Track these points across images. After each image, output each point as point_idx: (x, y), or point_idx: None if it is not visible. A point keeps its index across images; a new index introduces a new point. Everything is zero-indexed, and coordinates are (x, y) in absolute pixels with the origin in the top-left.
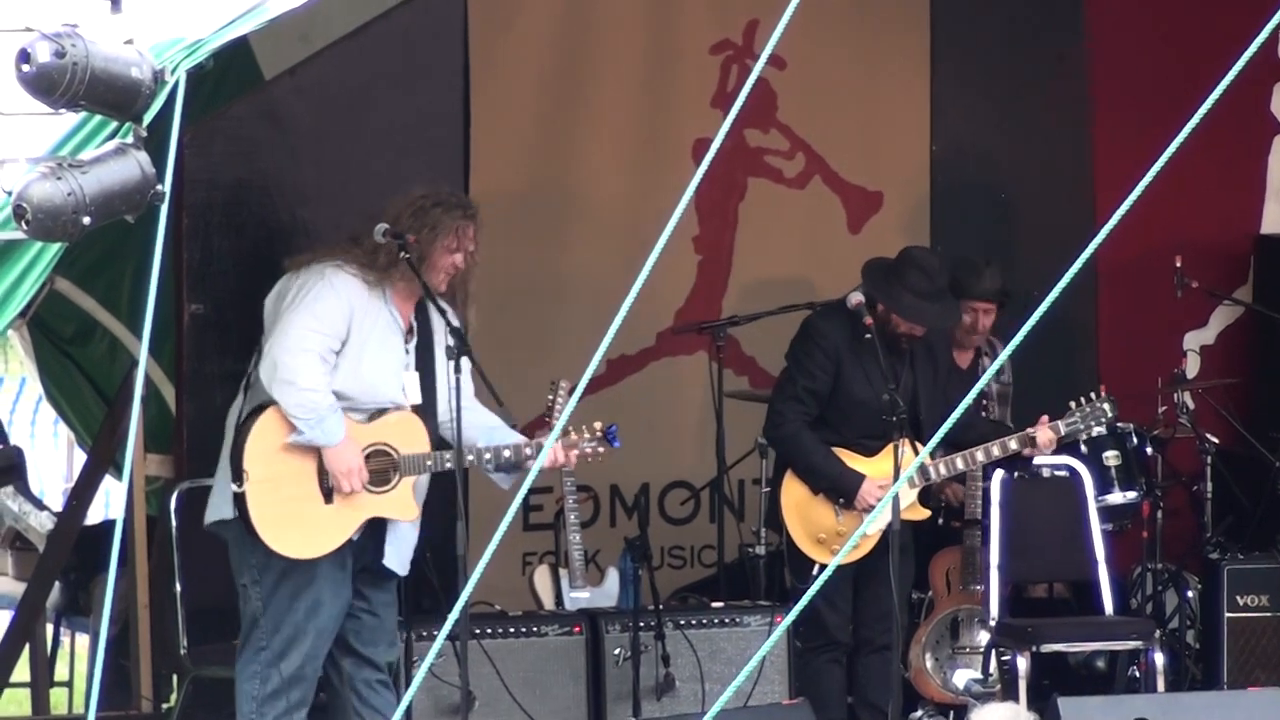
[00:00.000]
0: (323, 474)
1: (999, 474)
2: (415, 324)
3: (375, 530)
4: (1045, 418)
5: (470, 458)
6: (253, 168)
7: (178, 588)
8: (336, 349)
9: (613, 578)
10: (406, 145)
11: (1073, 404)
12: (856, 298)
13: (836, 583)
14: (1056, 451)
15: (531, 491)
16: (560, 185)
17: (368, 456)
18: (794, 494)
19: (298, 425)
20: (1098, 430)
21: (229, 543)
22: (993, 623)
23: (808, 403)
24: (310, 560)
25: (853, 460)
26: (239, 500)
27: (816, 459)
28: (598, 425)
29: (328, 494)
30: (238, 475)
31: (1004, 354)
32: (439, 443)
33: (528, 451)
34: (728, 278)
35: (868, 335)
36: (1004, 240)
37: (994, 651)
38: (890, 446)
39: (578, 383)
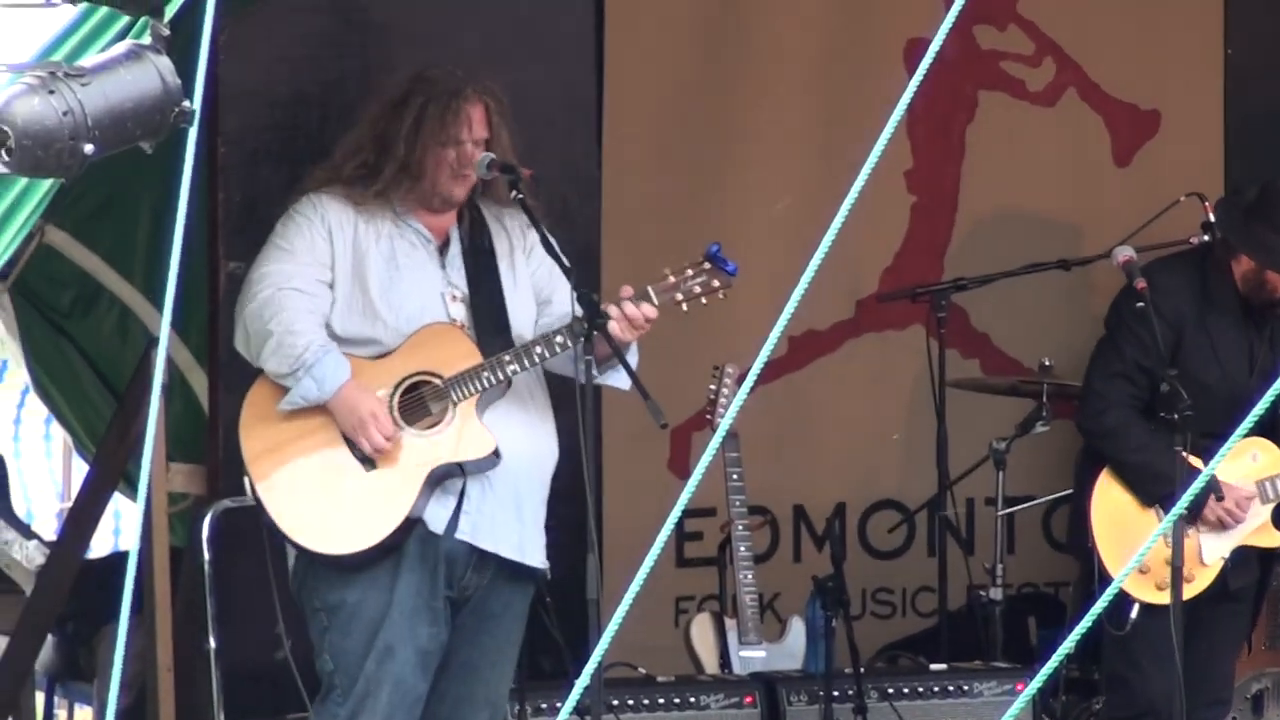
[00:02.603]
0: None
1: None
2: (458, 235)
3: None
4: None
5: (535, 351)
6: (314, 78)
7: (211, 643)
8: (326, 279)
9: (797, 631)
10: (526, 50)
11: None
12: (1126, 253)
13: (1157, 633)
14: None
15: (687, 515)
16: (721, 107)
17: (405, 392)
18: (1112, 503)
19: (285, 384)
20: None
21: (295, 597)
22: None
23: (1139, 382)
24: (382, 583)
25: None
26: (262, 513)
27: (1151, 459)
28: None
29: (364, 460)
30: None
31: None
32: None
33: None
34: (951, 227)
35: (1139, 304)
36: None
37: None
38: (1238, 448)
39: (749, 368)
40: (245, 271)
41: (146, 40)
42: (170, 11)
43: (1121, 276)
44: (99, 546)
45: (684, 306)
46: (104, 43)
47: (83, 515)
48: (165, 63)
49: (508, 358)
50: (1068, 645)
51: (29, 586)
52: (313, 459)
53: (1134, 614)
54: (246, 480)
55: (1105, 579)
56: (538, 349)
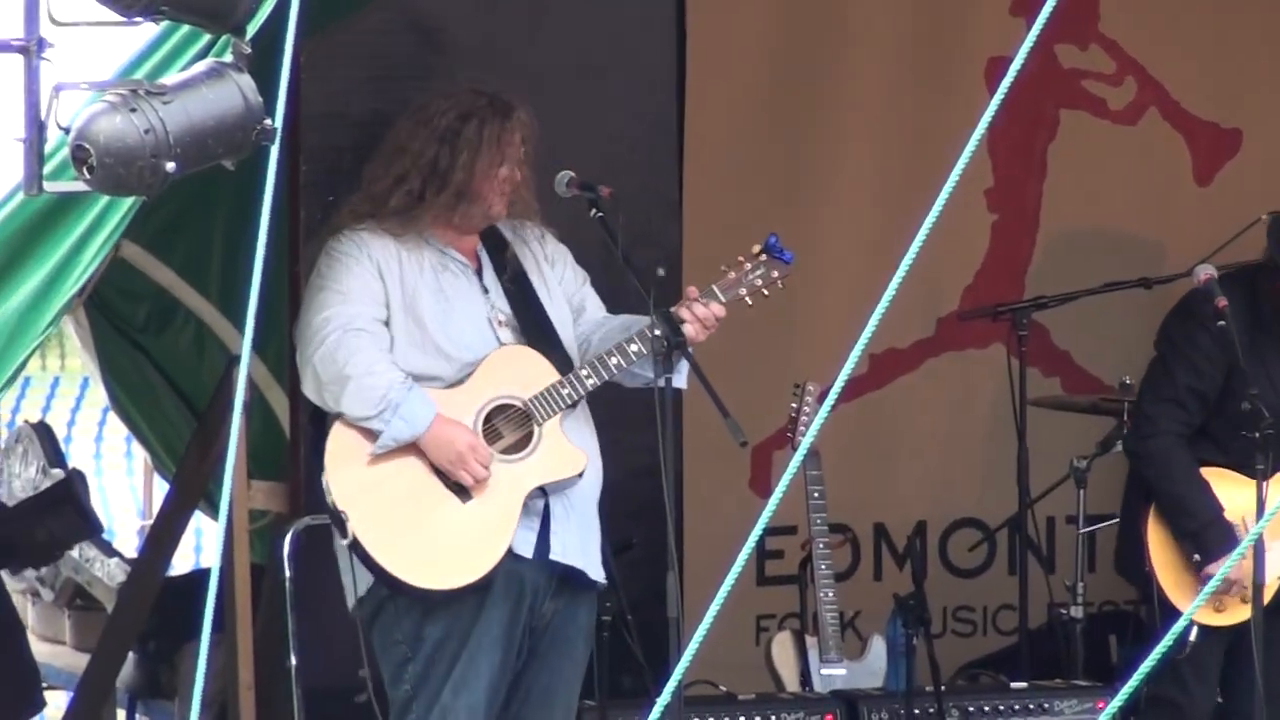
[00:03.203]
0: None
1: None
2: (485, 255)
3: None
4: None
5: (610, 363)
6: (395, 98)
7: (292, 661)
8: (383, 316)
9: (878, 649)
10: (608, 70)
11: None
12: (1206, 271)
13: (1206, 654)
14: None
15: (768, 533)
16: (802, 126)
17: (487, 419)
18: (1166, 528)
19: (372, 427)
20: None
21: (363, 625)
22: None
23: (1190, 407)
24: (467, 616)
25: (1241, 487)
26: (360, 555)
27: (1185, 493)
28: (754, 248)
29: (460, 491)
30: (339, 525)
31: None
32: (565, 366)
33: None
34: (1033, 245)
35: (1220, 323)
36: None
37: None
38: None
39: (830, 386)
40: None
41: (228, 58)
42: (252, 30)
43: (1173, 296)
44: (180, 564)
45: (748, 300)
46: (186, 61)
47: (164, 533)
48: (247, 81)
49: (585, 372)
50: (1149, 664)
51: (110, 604)
52: (407, 495)
53: (1192, 636)
54: (347, 524)
55: (1165, 602)
56: (613, 360)
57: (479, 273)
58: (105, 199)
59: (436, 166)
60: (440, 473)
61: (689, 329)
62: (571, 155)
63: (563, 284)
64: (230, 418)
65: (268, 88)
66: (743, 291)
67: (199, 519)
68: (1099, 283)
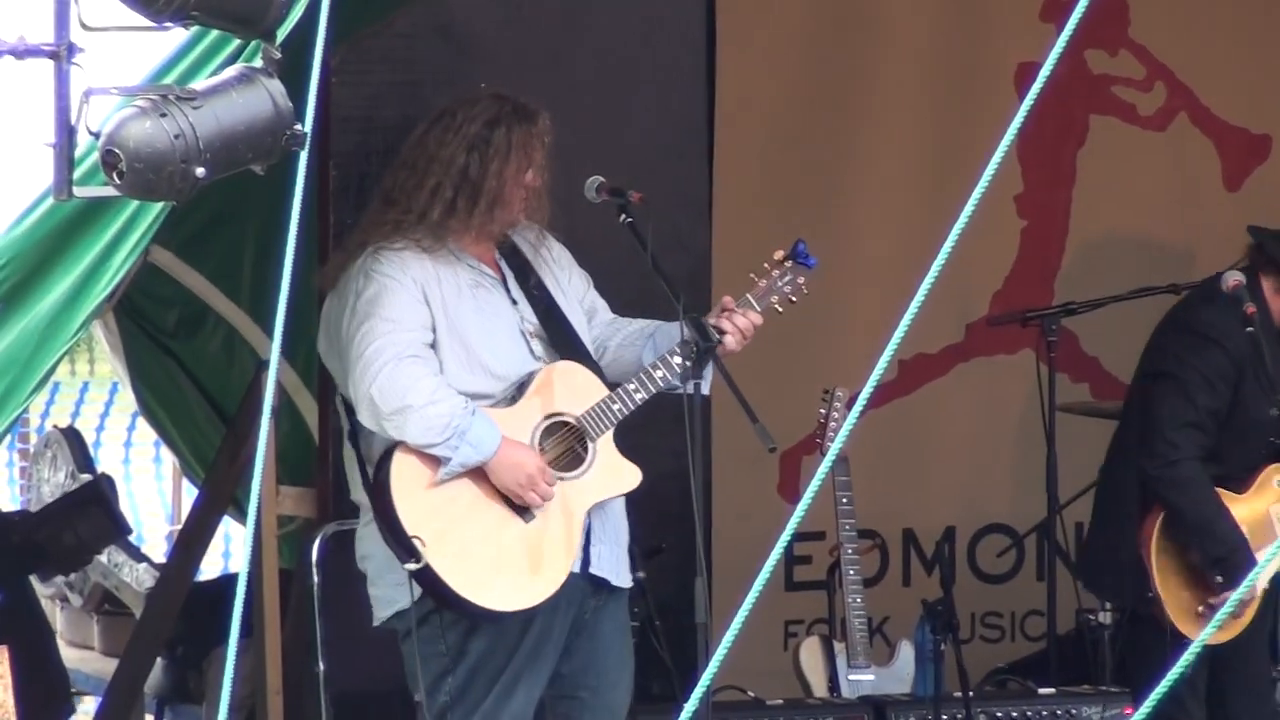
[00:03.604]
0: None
1: None
2: (504, 263)
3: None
4: None
5: (656, 376)
6: (424, 102)
7: (320, 666)
8: (430, 340)
9: (906, 654)
10: (638, 75)
11: None
12: (1235, 278)
13: (1195, 671)
14: None
15: (796, 538)
16: (832, 131)
17: (541, 438)
18: (1173, 552)
19: (438, 454)
20: None
21: (404, 638)
22: None
23: (1208, 429)
24: (513, 630)
25: (1230, 502)
26: (424, 577)
27: (1214, 518)
28: (777, 254)
29: (523, 511)
30: (408, 550)
31: None
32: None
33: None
34: (1062, 251)
35: (1249, 329)
36: None
37: None
38: (1262, 477)
39: (859, 391)
40: None
41: (258, 64)
42: (282, 35)
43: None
44: (208, 569)
45: (778, 308)
46: (215, 66)
47: (192, 538)
48: (277, 86)
49: (633, 386)
50: (1178, 670)
51: (139, 609)
52: (472, 517)
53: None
54: (415, 546)
55: (1161, 621)
56: (659, 373)
57: (504, 283)
58: (135, 204)
59: (467, 174)
60: (503, 494)
61: (729, 340)
62: (600, 159)
63: (572, 285)
64: (259, 423)
65: (298, 92)
66: (774, 299)
67: (228, 523)
68: (1128, 288)
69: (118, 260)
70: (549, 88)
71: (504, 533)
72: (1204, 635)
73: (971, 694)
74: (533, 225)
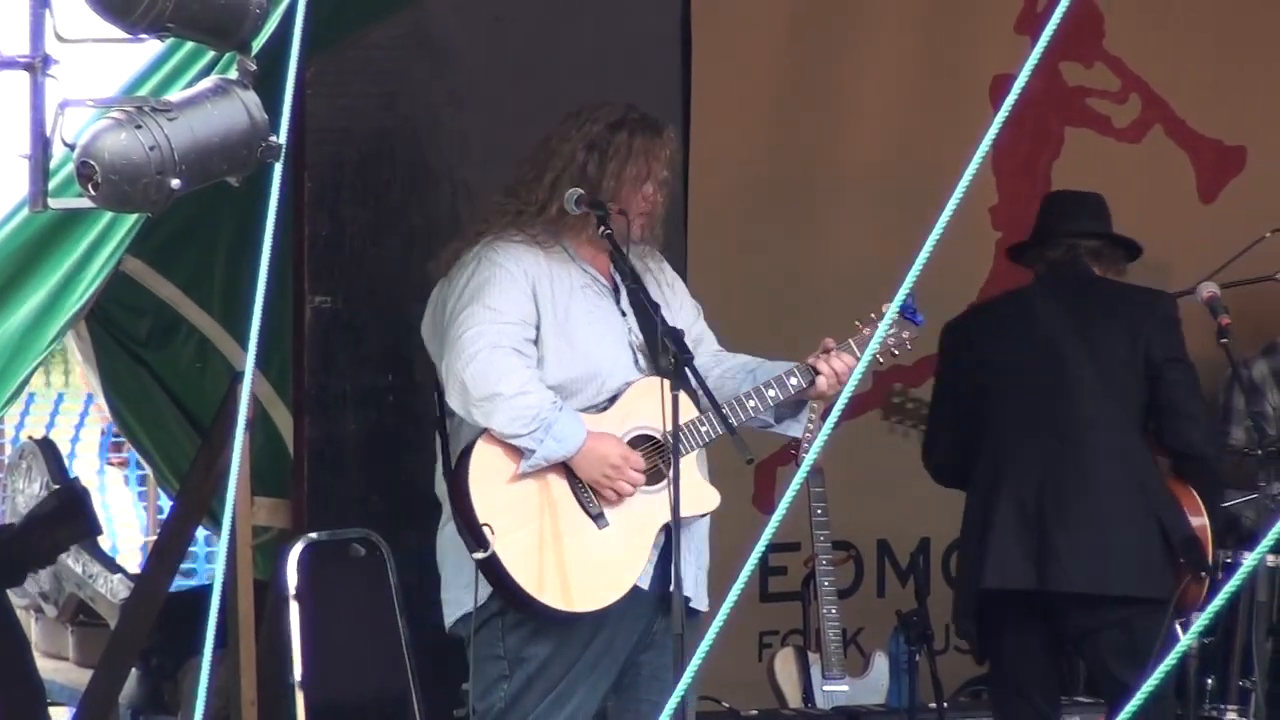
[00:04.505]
0: (580, 494)
1: None
2: (616, 276)
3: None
4: None
5: (749, 405)
6: (399, 114)
7: (296, 676)
8: (532, 337)
9: (880, 665)
10: (613, 83)
11: None
12: (1210, 289)
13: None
14: None
15: (771, 549)
16: (807, 141)
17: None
18: None
19: (522, 446)
20: None
21: (469, 641)
22: None
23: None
24: (578, 640)
25: None
26: (490, 568)
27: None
28: (884, 307)
29: (597, 516)
30: (478, 538)
31: None
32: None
33: (803, 379)
34: None
35: (1223, 340)
36: None
37: None
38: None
39: (834, 402)
40: (331, 305)
41: (233, 75)
42: (257, 46)
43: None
44: (182, 580)
45: (880, 359)
46: (190, 78)
47: (167, 549)
48: (252, 98)
49: (724, 411)
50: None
51: (113, 620)
52: (545, 514)
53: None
54: (490, 538)
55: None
56: (751, 403)
57: (615, 293)
58: (109, 215)
59: (585, 173)
60: (578, 498)
61: (822, 381)
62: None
63: (683, 311)
64: (234, 434)
65: (274, 103)
66: (878, 351)
67: (202, 534)
68: None
69: (92, 271)
70: (526, 100)
71: (574, 535)
72: (1198, 627)
73: (946, 705)
74: (652, 251)
